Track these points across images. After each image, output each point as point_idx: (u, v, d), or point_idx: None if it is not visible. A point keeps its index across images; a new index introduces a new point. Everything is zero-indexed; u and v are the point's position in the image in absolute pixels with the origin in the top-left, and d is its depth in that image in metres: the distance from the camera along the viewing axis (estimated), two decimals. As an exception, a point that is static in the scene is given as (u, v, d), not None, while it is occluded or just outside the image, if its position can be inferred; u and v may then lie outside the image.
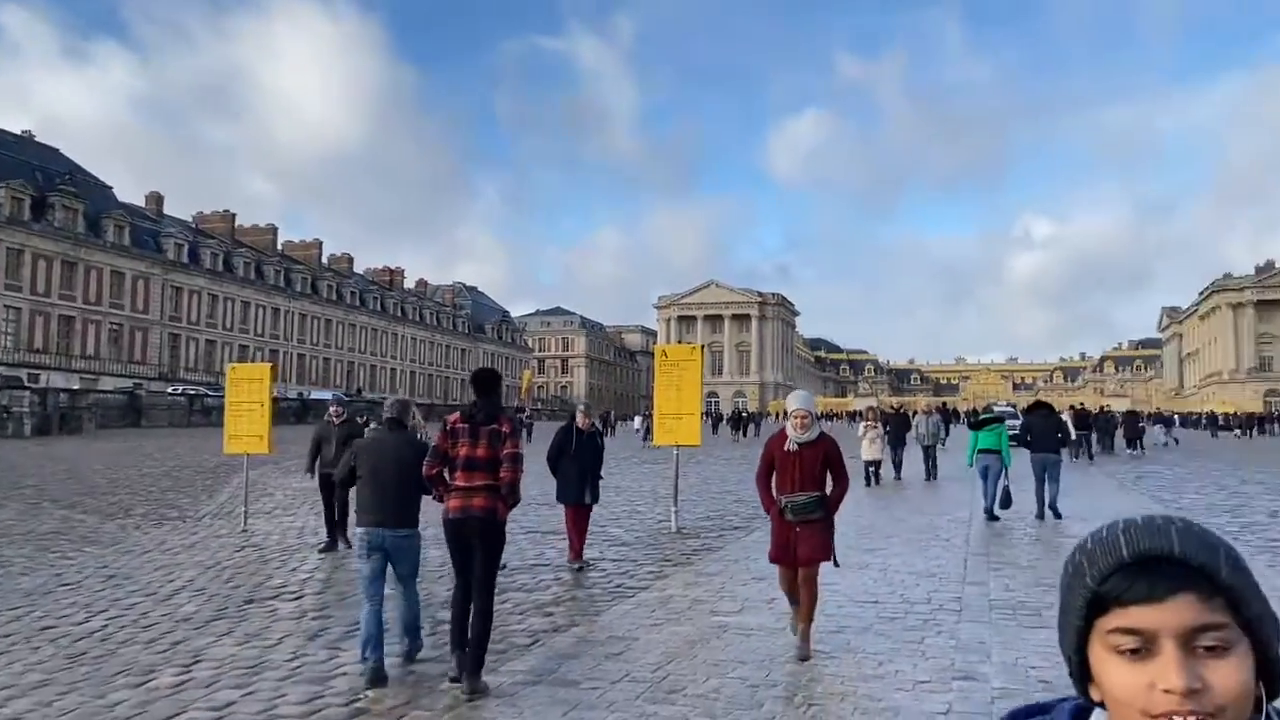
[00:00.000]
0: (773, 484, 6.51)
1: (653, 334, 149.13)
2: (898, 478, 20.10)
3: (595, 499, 10.38)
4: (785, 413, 7.12)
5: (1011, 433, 15.05)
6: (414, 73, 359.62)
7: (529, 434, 40.22)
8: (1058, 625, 0.98)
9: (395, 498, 5.99)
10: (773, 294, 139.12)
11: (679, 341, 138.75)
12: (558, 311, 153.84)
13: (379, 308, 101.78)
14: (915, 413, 24.96)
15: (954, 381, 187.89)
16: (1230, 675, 0.87)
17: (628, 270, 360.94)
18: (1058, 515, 13.36)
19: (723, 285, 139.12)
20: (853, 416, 78.57)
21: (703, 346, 12.76)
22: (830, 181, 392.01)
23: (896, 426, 21.23)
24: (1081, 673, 0.95)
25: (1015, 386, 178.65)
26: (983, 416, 15.97)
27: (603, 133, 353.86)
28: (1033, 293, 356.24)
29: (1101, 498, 16.93)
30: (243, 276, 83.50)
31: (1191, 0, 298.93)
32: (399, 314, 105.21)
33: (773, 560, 6.61)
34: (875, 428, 19.36)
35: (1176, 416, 61.73)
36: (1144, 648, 0.88)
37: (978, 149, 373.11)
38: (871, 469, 18.81)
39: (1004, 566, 9.55)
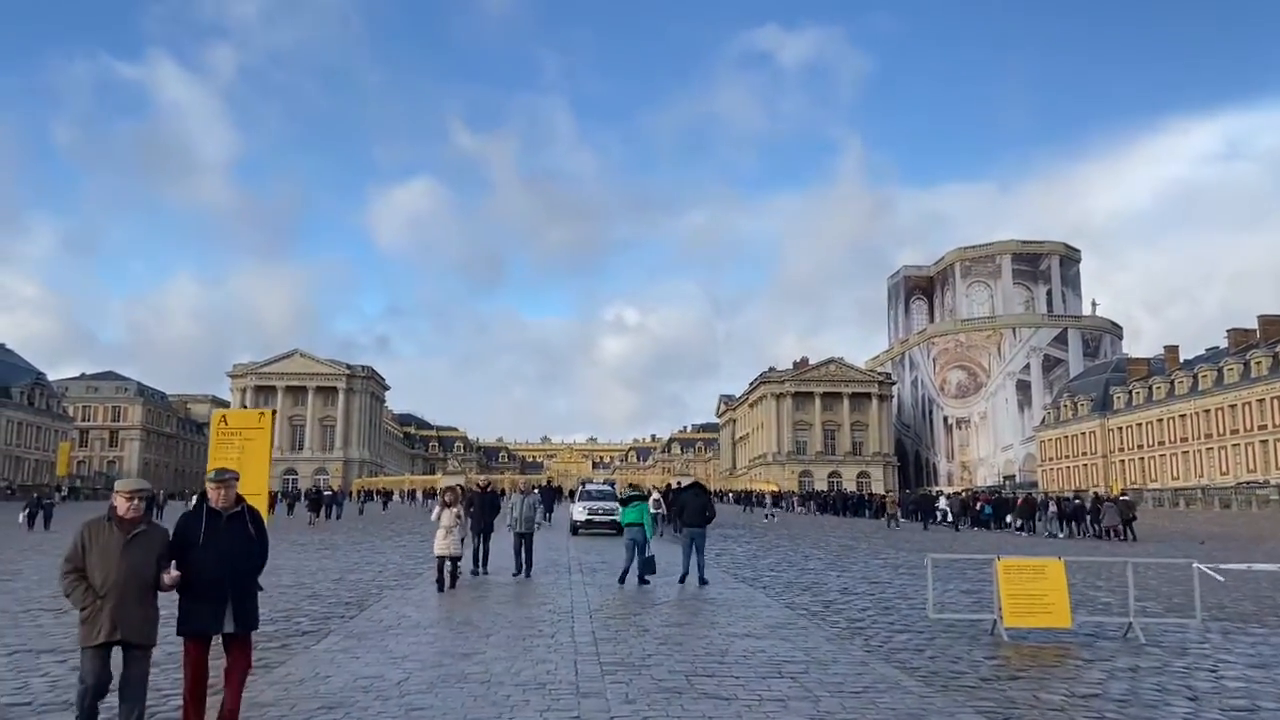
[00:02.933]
0: None
1: (226, 405, 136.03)
2: (476, 572, 16.28)
3: (250, 624, 6.19)
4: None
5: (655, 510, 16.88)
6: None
7: (47, 519, 33.23)
8: None
9: None
10: (361, 367, 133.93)
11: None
12: (110, 376, 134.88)
13: None
14: (509, 492, 21.10)
15: (540, 460, 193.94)
16: None
17: (208, 334, 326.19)
18: (703, 581, 15.11)
19: (307, 355, 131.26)
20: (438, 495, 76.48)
21: (274, 412, 10.51)
22: (436, 253, 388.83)
23: (484, 509, 17.10)
24: None
25: (595, 465, 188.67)
26: (629, 495, 17.84)
27: (190, 177, 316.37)
28: (618, 376, 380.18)
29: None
30: None
31: (765, 119, 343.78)
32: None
33: None
34: (454, 509, 15.04)
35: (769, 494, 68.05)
36: None
37: (580, 235, 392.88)
38: (448, 566, 14.56)
39: (617, 669, 8.44)
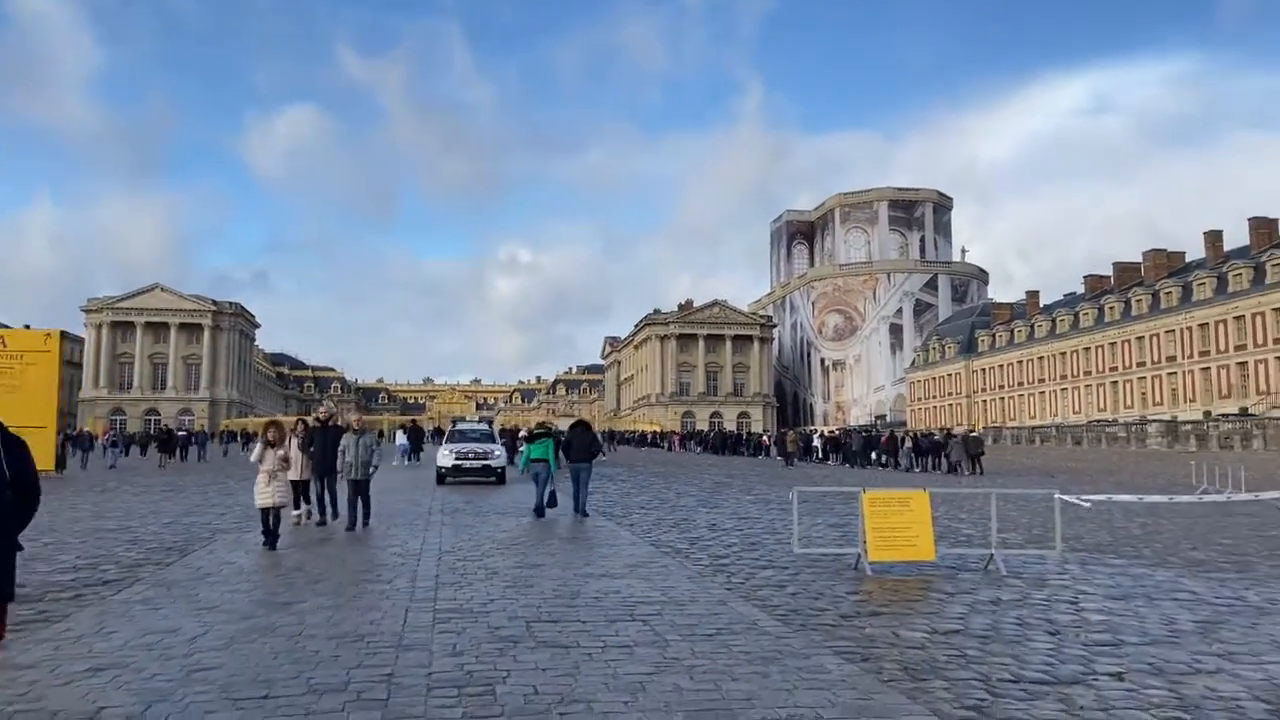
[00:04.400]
0: None
1: (79, 342, 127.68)
2: (320, 520, 14.32)
3: None
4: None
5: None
6: None
7: None
8: None
9: None
10: (229, 303, 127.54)
11: (114, 354, 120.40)
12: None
13: None
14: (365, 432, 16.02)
15: (421, 401, 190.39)
16: None
17: (67, 265, 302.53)
18: (585, 514, 15.94)
19: (170, 290, 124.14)
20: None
21: (62, 334, 9.05)
22: (320, 185, 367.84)
23: (327, 448, 14.26)
24: None
25: (479, 406, 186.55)
26: (535, 431, 18.12)
27: (47, 92, 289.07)
28: (510, 317, 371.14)
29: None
30: None
31: (668, 56, 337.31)
32: None
33: None
34: (279, 450, 12.27)
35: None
36: None
37: (475, 170, 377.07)
38: (272, 521, 11.81)
39: (453, 616, 7.62)
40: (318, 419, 14.67)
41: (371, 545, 12.23)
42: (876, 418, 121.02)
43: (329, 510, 14.63)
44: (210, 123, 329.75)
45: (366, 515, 14.05)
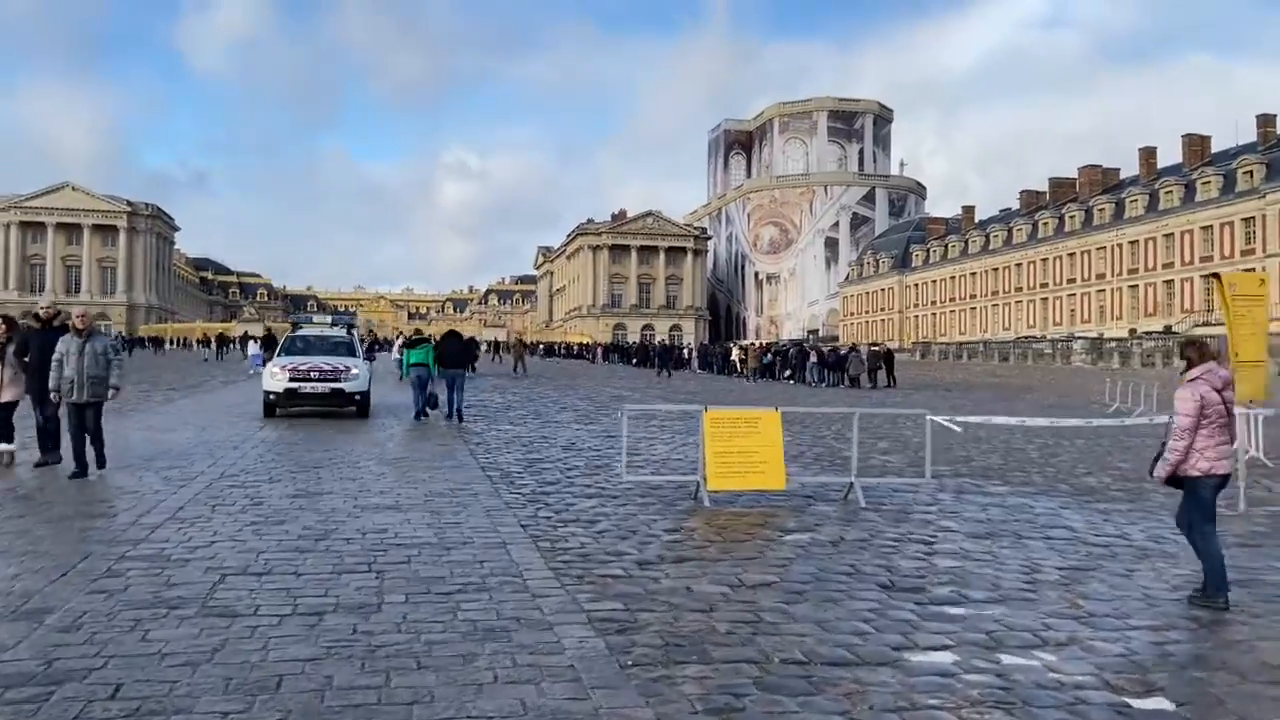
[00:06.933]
0: None
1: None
2: (43, 459, 10.25)
3: None
4: None
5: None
6: None
7: None
8: None
9: None
10: (145, 204, 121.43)
11: (25, 255, 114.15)
12: None
13: None
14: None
15: (351, 309, 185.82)
16: None
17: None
18: (461, 418, 16.80)
19: (81, 189, 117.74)
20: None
21: None
22: (265, 82, 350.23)
23: (44, 359, 9.89)
24: None
25: (410, 316, 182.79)
26: (414, 338, 19.25)
27: None
28: (456, 224, 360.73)
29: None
30: None
31: None
32: None
33: None
34: None
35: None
36: None
37: (425, 67, 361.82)
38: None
39: (132, 568, 5.94)
40: (35, 316, 10.99)
41: (143, 470, 10.43)
42: (809, 332, 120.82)
43: (47, 445, 10.35)
44: (144, 10, 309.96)
45: (99, 454, 9.85)
